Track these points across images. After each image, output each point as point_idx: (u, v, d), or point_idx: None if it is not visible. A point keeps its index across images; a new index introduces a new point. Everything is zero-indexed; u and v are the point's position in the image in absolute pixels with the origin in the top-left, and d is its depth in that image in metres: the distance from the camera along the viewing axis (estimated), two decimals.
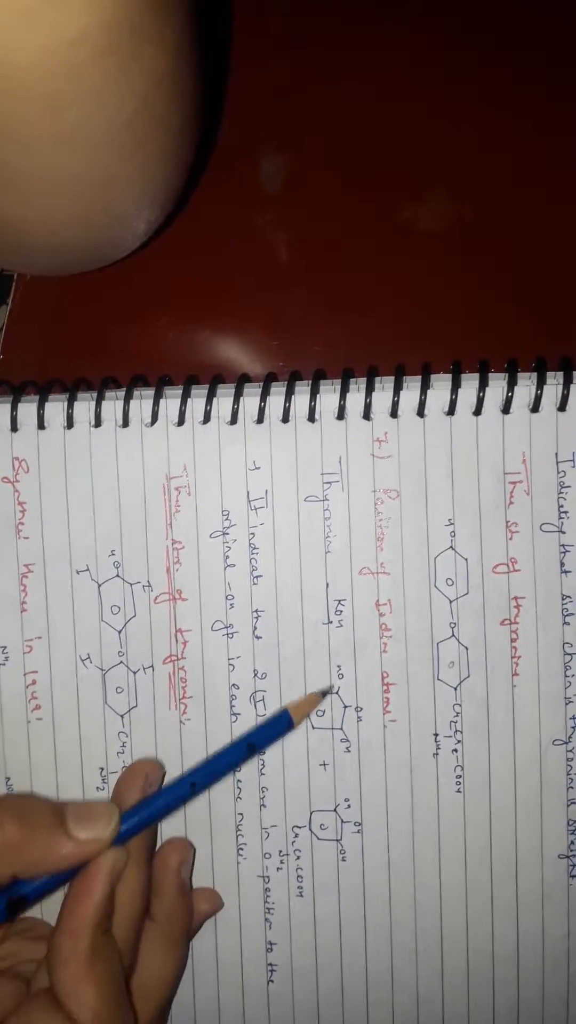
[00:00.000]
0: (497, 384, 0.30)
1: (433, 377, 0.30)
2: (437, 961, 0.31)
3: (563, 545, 0.30)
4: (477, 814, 0.31)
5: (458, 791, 0.31)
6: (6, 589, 0.32)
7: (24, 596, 0.32)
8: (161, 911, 0.30)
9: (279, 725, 0.30)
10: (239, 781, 0.31)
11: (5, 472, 0.32)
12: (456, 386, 0.30)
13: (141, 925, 0.29)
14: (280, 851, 0.31)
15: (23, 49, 0.21)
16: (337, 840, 0.31)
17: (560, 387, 0.29)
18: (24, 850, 0.26)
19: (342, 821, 0.31)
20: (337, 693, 0.31)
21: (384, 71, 0.36)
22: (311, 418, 0.30)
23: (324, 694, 0.31)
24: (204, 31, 0.27)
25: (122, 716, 0.32)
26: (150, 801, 0.29)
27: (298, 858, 0.32)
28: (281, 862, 0.32)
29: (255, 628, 0.31)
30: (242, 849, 0.32)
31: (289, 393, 0.30)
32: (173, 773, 0.31)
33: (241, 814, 0.32)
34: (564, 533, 0.30)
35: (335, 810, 0.31)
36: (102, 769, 0.32)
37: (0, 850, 0.26)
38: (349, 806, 0.31)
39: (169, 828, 0.32)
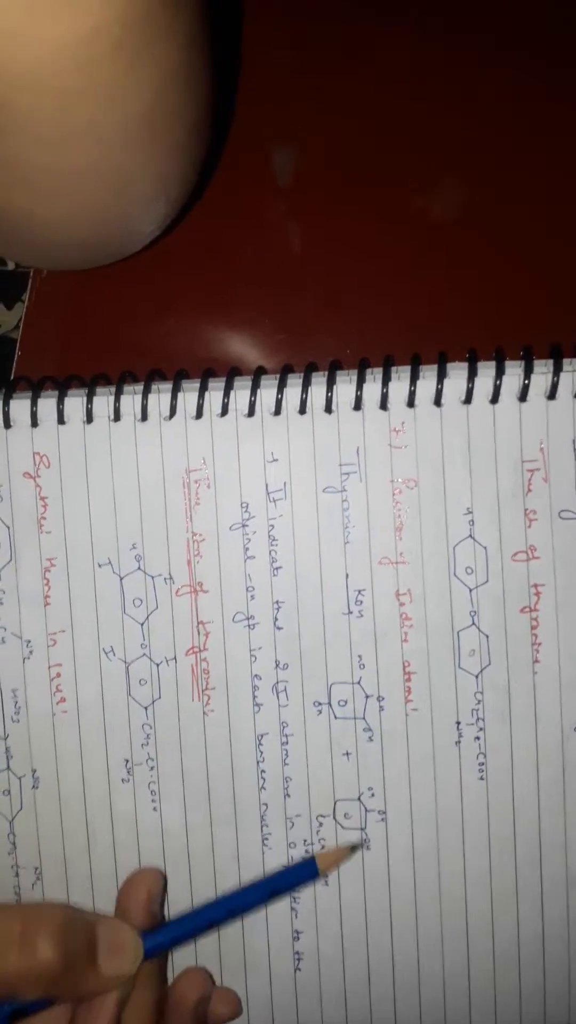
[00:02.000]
0: (514, 372, 0.30)
1: (449, 366, 0.30)
2: (463, 946, 0.31)
3: None
4: (500, 801, 0.31)
5: (481, 778, 0.31)
6: (29, 583, 0.32)
7: (47, 590, 0.32)
8: None
9: (304, 873, 0.30)
10: (263, 772, 0.32)
11: (26, 467, 0.32)
12: (472, 375, 0.30)
13: None
14: (305, 840, 0.32)
15: (37, 44, 0.21)
16: (361, 829, 0.32)
17: None
18: (57, 980, 0.26)
19: (366, 810, 0.31)
20: (359, 683, 0.31)
21: (395, 64, 0.36)
22: (328, 409, 0.31)
23: (354, 849, 0.31)
24: (216, 25, 0.27)
25: (146, 708, 0.32)
26: (166, 930, 0.29)
27: (323, 847, 0.32)
28: (306, 851, 0.32)
29: (276, 619, 0.31)
30: (267, 839, 0.32)
31: (306, 384, 0.31)
32: (198, 764, 0.32)
33: (266, 804, 0.32)
34: None
35: (359, 799, 0.31)
36: (127, 761, 0.32)
37: (36, 976, 0.26)
38: (373, 795, 0.31)
39: (194, 818, 0.32)
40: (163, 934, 0.29)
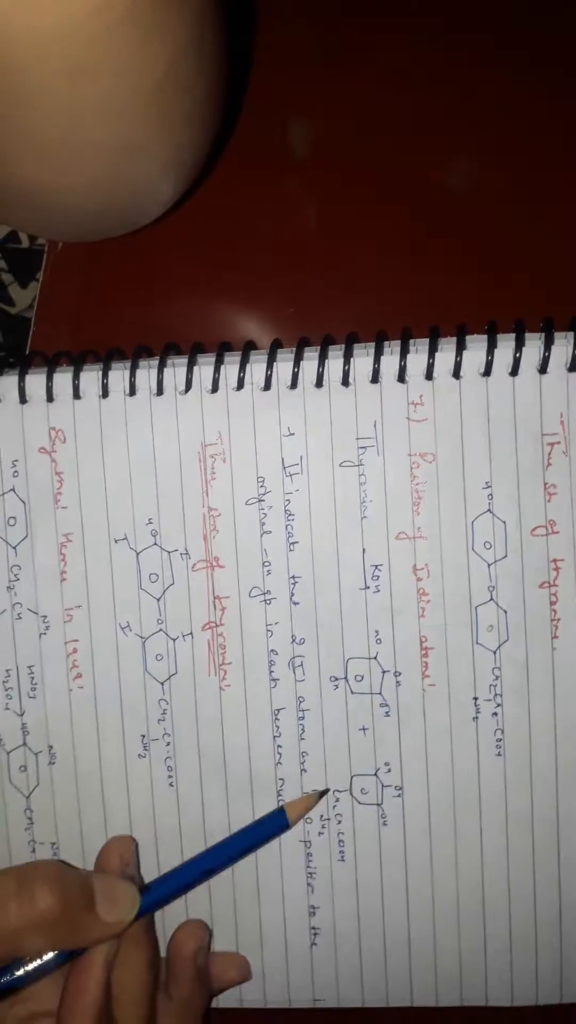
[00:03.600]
0: (533, 344, 0.29)
1: (468, 338, 0.30)
2: (479, 924, 0.31)
3: None
4: (518, 778, 0.31)
5: (498, 755, 0.31)
6: (45, 559, 0.32)
7: (63, 566, 0.32)
8: (178, 994, 0.30)
9: (274, 824, 0.31)
10: (279, 747, 0.32)
11: (42, 443, 0.32)
12: (492, 347, 0.29)
13: (152, 1000, 0.29)
14: (321, 816, 0.32)
15: (47, 18, 0.21)
16: (378, 804, 0.31)
17: None
18: (58, 927, 0.27)
19: (383, 785, 0.31)
20: (376, 658, 0.31)
21: (415, 35, 0.36)
22: (345, 382, 0.30)
23: (321, 794, 0.31)
24: None
25: (162, 683, 0.32)
26: (149, 891, 0.30)
27: (339, 823, 0.32)
28: (323, 827, 0.32)
29: (292, 594, 0.31)
30: None
31: (323, 357, 0.30)
32: (214, 740, 0.32)
33: (282, 779, 0.32)
34: None
35: (375, 774, 0.31)
36: (143, 736, 0.32)
37: (35, 924, 0.26)
38: (389, 770, 0.31)
39: (210, 794, 0.32)
40: (147, 895, 0.30)
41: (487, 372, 0.30)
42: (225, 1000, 0.32)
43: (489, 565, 0.30)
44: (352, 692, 0.31)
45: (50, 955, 0.27)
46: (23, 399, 0.32)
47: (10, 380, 0.32)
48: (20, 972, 0.27)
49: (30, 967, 0.27)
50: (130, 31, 0.23)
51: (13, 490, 0.32)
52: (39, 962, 0.27)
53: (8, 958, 0.27)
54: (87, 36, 0.22)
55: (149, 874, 0.32)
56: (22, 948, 0.27)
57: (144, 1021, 0.29)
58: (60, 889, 0.27)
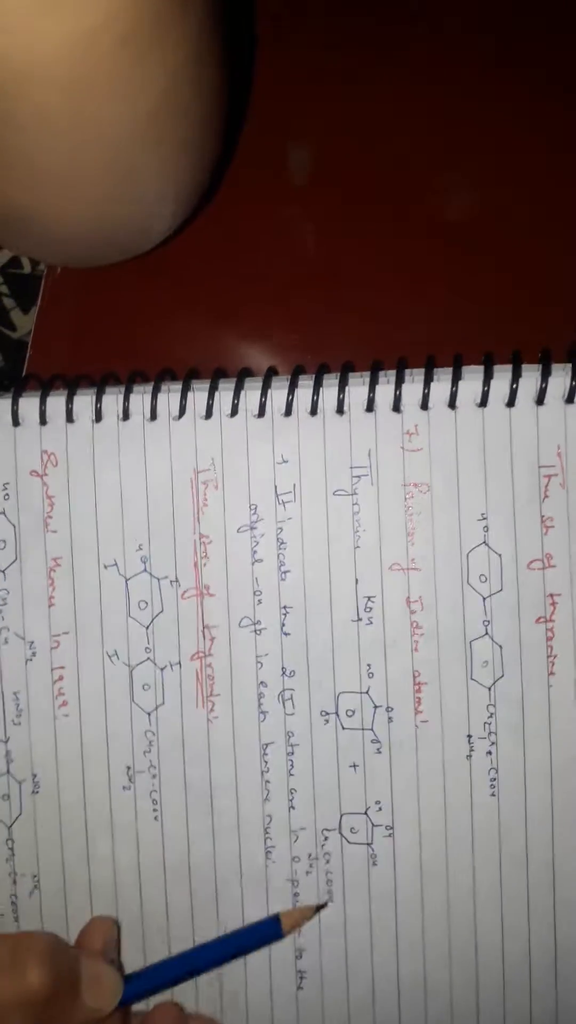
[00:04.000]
0: (531, 375, 0.29)
1: (464, 368, 0.29)
2: (472, 969, 0.30)
3: None
4: (512, 818, 0.30)
5: (492, 794, 0.30)
6: (34, 583, 0.32)
7: (52, 590, 0.32)
8: None
9: (267, 931, 0.30)
10: (268, 783, 0.31)
11: (34, 466, 0.32)
12: (488, 377, 0.29)
13: None
14: (309, 854, 0.31)
15: (42, 38, 0.21)
16: (368, 844, 0.31)
17: None
18: (43, 1007, 0.26)
19: (373, 824, 0.31)
20: (367, 693, 0.30)
21: (414, 64, 0.36)
22: (340, 411, 0.30)
23: (318, 909, 0.30)
24: (227, 22, 0.27)
25: (149, 714, 0.31)
26: (135, 983, 0.29)
27: (327, 862, 0.31)
28: (310, 866, 0.31)
29: (283, 625, 0.31)
30: (270, 852, 0.31)
31: (317, 386, 0.30)
32: (201, 773, 0.31)
33: (269, 816, 0.31)
34: None
35: (366, 813, 0.31)
36: (128, 768, 0.32)
37: (25, 1001, 0.26)
38: (380, 809, 0.30)
39: (195, 829, 0.31)
40: (130, 986, 0.29)
41: (483, 403, 0.29)
42: None
43: (484, 599, 0.30)
44: (343, 727, 0.31)
45: None
46: (16, 422, 0.32)
47: (3, 403, 0.32)
48: None
49: None
50: (126, 53, 0.23)
51: (3, 513, 0.32)
52: None
53: None
54: (83, 57, 0.22)
55: (131, 909, 0.31)
56: (4, 1021, 0.26)
57: None
58: (52, 968, 0.26)
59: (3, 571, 0.32)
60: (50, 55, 0.22)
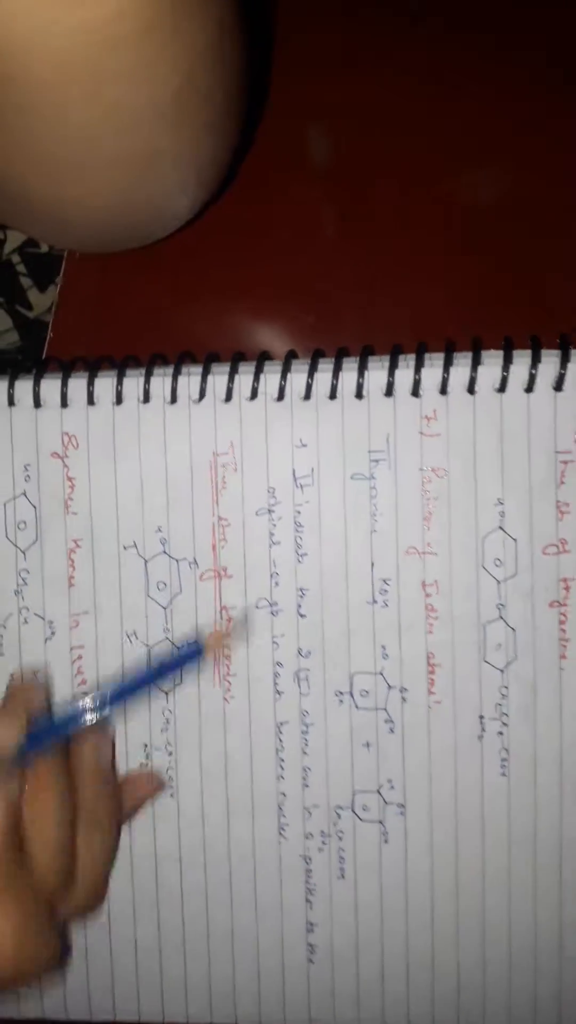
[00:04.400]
0: (550, 361, 0.29)
1: (484, 353, 0.30)
2: (479, 947, 0.31)
3: None
4: (522, 799, 0.30)
5: (503, 775, 0.30)
6: (54, 564, 0.32)
7: (72, 571, 0.32)
8: (83, 799, 0.29)
9: (189, 654, 0.30)
10: (281, 760, 0.31)
11: (55, 448, 0.32)
12: (508, 362, 0.29)
13: (69, 833, 0.28)
14: (322, 832, 0.31)
15: (64, 25, 0.21)
16: (380, 822, 0.31)
17: None
18: None
19: (385, 802, 0.31)
20: (381, 674, 0.31)
21: (436, 45, 0.36)
22: (359, 395, 0.30)
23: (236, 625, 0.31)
24: (249, 7, 0.27)
25: (166, 693, 0.32)
26: (51, 722, 0.29)
27: (340, 839, 0.31)
28: (323, 843, 0.31)
29: (300, 607, 0.31)
30: (284, 829, 0.32)
31: (336, 370, 0.30)
32: (217, 751, 0.32)
33: (283, 793, 0.31)
34: None
35: (378, 791, 0.31)
36: (146, 745, 0.32)
37: None
38: (392, 787, 0.31)
39: (210, 807, 0.32)
40: (42, 722, 0.29)
41: (502, 388, 0.29)
42: (221, 1016, 0.32)
43: (499, 583, 0.30)
44: (357, 707, 0.31)
45: None
46: (37, 404, 0.32)
47: (25, 384, 0.32)
48: None
49: None
50: (147, 39, 0.23)
51: (24, 494, 0.32)
52: None
53: None
54: (104, 43, 0.22)
55: (146, 888, 0.32)
56: None
57: (57, 854, 0.28)
58: None
59: (24, 552, 0.32)
60: (70, 42, 0.22)
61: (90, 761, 0.30)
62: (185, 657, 0.31)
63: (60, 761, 0.29)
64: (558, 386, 0.29)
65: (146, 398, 0.31)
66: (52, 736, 0.29)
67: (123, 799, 0.31)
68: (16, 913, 0.26)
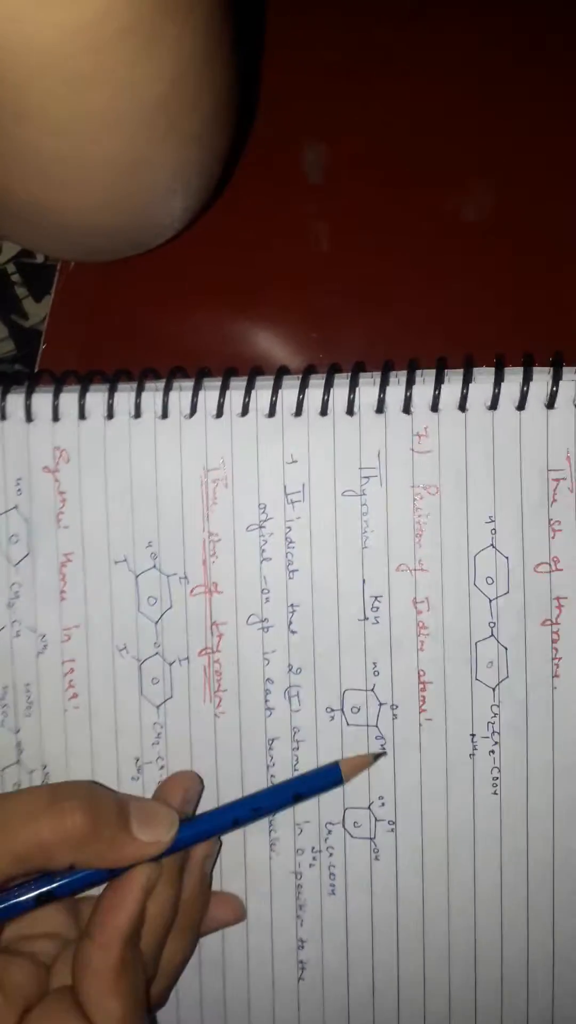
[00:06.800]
0: (542, 379, 0.29)
1: (475, 371, 0.29)
2: (470, 964, 0.31)
3: None
4: (514, 817, 0.30)
5: (495, 793, 0.30)
6: (45, 578, 0.32)
7: (63, 585, 0.32)
8: (183, 901, 0.29)
9: (327, 777, 0.30)
10: (272, 777, 0.31)
11: (46, 462, 0.32)
12: (499, 380, 0.29)
13: (166, 936, 0.29)
14: (313, 847, 0.31)
15: (45, 28, 0.21)
16: (371, 839, 0.31)
17: None
18: (88, 844, 0.26)
19: (376, 819, 0.31)
20: (373, 690, 0.31)
21: (427, 59, 0.36)
22: (350, 411, 0.30)
23: (376, 757, 0.31)
24: (237, 14, 0.26)
25: (157, 707, 0.32)
26: (197, 823, 0.29)
27: (331, 855, 0.31)
28: (314, 859, 0.31)
29: (290, 623, 0.31)
30: (275, 844, 0.32)
31: (328, 386, 0.30)
32: (208, 766, 0.31)
33: None
34: None
35: (369, 808, 0.31)
36: (137, 759, 0.32)
37: (65, 839, 0.26)
38: (383, 804, 0.31)
39: None
40: (191, 826, 0.29)
41: (493, 406, 0.29)
42: None
43: (490, 600, 0.30)
44: (348, 724, 0.31)
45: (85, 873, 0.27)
46: (29, 418, 0.32)
47: (17, 398, 0.32)
48: (55, 885, 0.27)
49: (63, 881, 0.27)
50: (132, 42, 0.22)
51: (16, 508, 0.32)
52: (72, 877, 0.27)
53: (38, 871, 0.27)
54: (88, 47, 0.22)
55: None
56: (53, 861, 0.26)
57: (160, 947, 0.28)
58: (91, 805, 0.27)
59: (15, 565, 0.32)
60: (51, 46, 0.21)
61: (199, 867, 0.30)
62: (324, 782, 0.30)
63: (180, 863, 0.29)
64: (550, 404, 0.29)
65: (137, 413, 0.31)
66: (195, 838, 0.29)
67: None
68: (129, 997, 0.26)
